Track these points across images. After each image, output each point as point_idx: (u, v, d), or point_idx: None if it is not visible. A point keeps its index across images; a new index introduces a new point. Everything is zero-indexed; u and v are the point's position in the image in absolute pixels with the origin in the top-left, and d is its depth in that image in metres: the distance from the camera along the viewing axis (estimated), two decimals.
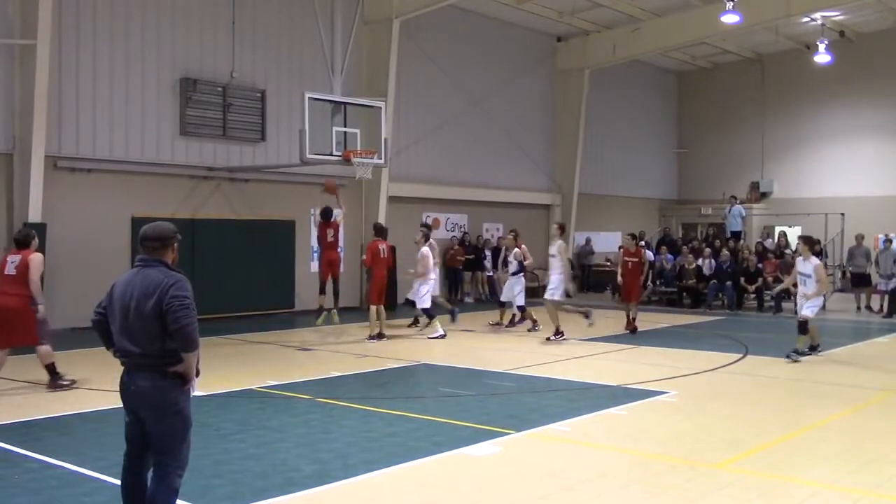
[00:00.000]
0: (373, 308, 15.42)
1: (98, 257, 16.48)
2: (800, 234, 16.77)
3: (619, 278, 17.43)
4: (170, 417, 5.16)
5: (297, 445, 7.90)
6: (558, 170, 27.95)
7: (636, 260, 17.17)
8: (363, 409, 9.62)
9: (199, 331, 5.19)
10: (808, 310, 13.17)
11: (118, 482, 5.51)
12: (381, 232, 16.20)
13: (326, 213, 16.69)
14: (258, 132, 19.65)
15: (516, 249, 16.78)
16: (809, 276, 13.24)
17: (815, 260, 13.36)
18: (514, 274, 16.80)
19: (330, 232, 16.46)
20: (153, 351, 5.10)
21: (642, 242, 25.85)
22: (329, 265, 16.45)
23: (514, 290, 16.83)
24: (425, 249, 16.19)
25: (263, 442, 8.05)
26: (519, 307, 17.02)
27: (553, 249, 15.62)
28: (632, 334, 16.43)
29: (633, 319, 16.87)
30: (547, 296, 15.64)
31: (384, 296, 15.77)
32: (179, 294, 5.07)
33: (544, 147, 27.73)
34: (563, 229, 16.29)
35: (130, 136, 17.64)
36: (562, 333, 15.33)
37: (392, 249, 16.62)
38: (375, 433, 8.44)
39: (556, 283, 15.48)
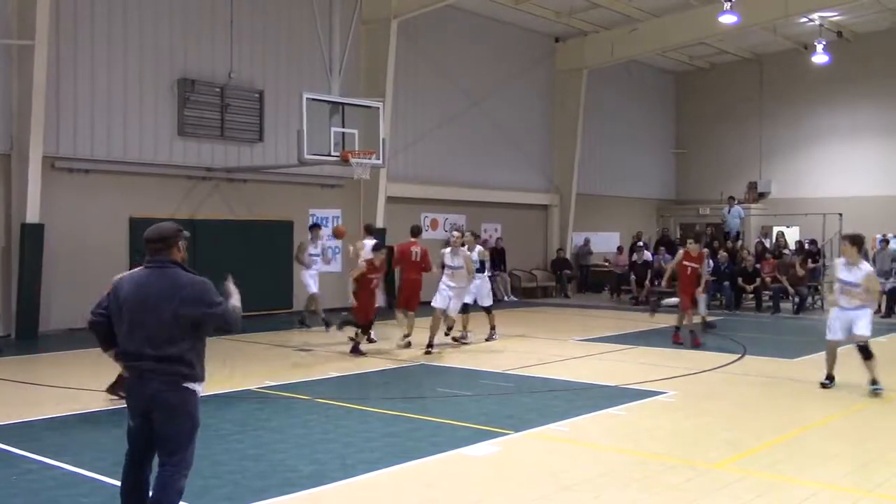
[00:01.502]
0: (399, 313, 14.77)
1: (96, 258, 16.45)
2: (847, 232, 13.73)
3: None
4: (181, 419, 5.15)
5: (295, 446, 7.89)
6: (556, 170, 27.95)
7: (696, 266, 14.97)
8: (362, 410, 9.62)
9: None
10: (865, 328, 10.69)
11: (117, 483, 5.49)
12: (415, 233, 15.15)
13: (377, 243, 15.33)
14: (256, 132, 19.65)
15: (479, 248, 15.67)
16: (856, 286, 10.67)
17: (865, 266, 10.89)
18: (478, 272, 15.41)
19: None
20: (169, 353, 5.05)
21: (640, 243, 25.98)
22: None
23: (482, 290, 15.71)
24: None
25: (262, 442, 8.04)
26: (487, 308, 15.79)
27: (458, 260, 14.41)
28: (697, 348, 14.51)
29: (695, 332, 14.95)
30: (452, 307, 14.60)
31: (414, 301, 14.65)
32: (210, 294, 5.15)
33: (542, 147, 27.73)
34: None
35: (128, 136, 17.63)
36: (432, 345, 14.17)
37: (426, 252, 15.04)
38: (374, 433, 8.43)
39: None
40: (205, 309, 5.09)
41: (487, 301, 15.80)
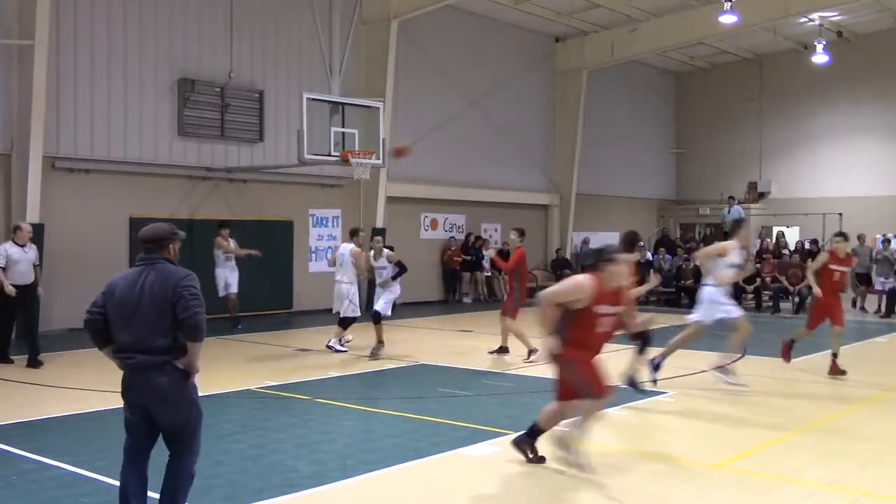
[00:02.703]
0: (512, 323, 13.42)
1: (96, 258, 16.44)
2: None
3: (816, 292, 11.91)
4: (185, 409, 5.28)
5: (295, 446, 7.89)
6: (556, 170, 27.94)
7: (845, 270, 12.36)
8: (362, 410, 9.62)
9: None
10: None
11: (117, 483, 5.50)
12: (523, 234, 13.97)
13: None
14: (256, 132, 19.64)
15: (388, 252, 13.96)
16: None
17: None
18: (395, 277, 13.79)
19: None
20: (166, 346, 5.16)
21: (640, 244, 25.92)
22: None
23: (383, 299, 13.69)
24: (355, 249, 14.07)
25: (262, 443, 8.04)
26: (378, 315, 13.58)
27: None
28: (841, 375, 11.87)
29: (836, 357, 12.08)
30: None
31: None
32: (190, 285, 5.20)
33: (543, 147, 27.72)
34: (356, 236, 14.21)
35: (128, 136, 17.62)
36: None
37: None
38: (374, 434, 8.43)
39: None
40: (184, 292, 5.15)
41: (388, 312, 13.81)
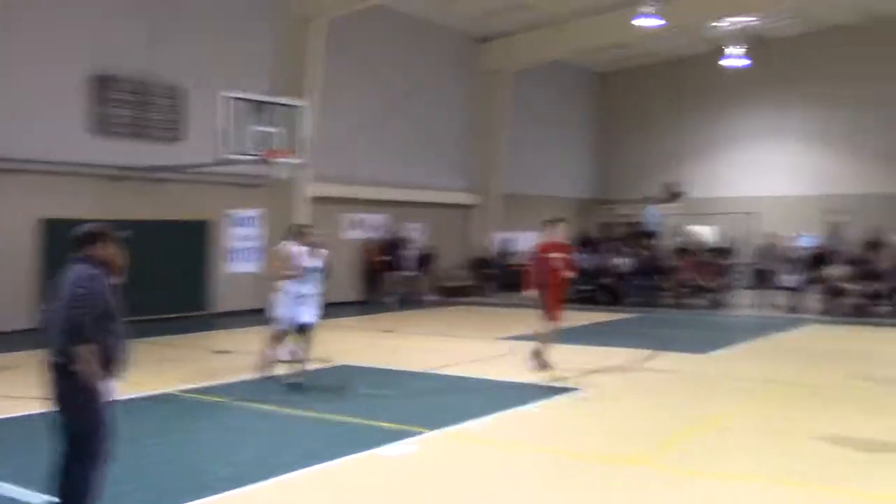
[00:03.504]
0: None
1: (2, 261, 15.87)
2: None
3: None
4: (76, 414, 5.31)
5: (212, 449, 7.86)
6: (481, 170, 28.08)
7: None
8: (280, 412, 9.59)
9: None
10: None
11: (26, 491, 5.45)
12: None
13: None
14: (176, 131, 19.30)
15: (324, 250, 11.64)
16: None
17: None
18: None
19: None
20: (62, 348, 5.21)
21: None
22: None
23: (316, 308, 11.40)
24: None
25: (178, 446, 7.98)
26: (308, 325, 11.34)
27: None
28: None
29: None
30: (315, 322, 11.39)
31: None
32: (79, 286, 5.24)
33: (467, 147, 27.83)
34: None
35: (39, 134, 16.98)
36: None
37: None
38: (292, 435, 8.43)
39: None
40: (69, 293, 5.23)
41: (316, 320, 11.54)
